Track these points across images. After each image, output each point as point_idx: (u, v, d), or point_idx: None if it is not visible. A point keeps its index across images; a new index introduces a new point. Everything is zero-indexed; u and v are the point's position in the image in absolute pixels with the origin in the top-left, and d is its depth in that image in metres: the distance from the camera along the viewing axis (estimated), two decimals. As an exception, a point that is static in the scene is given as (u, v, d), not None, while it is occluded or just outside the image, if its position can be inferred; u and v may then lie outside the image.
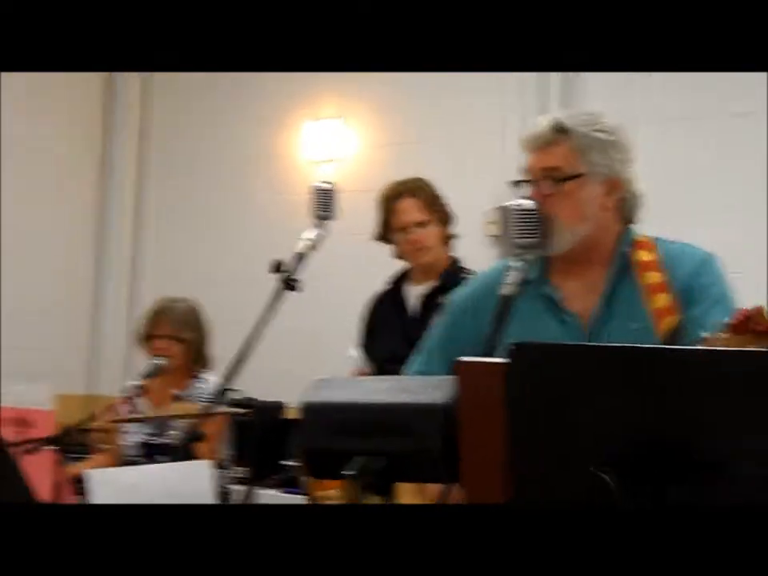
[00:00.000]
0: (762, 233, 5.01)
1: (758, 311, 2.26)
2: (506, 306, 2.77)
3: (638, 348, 2.39)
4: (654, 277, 2.67)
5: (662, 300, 2.63)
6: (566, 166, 2.72)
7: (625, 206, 2.77)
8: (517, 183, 2.90)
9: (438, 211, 4.20)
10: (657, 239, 2.77)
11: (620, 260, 2.73)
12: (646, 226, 2.86)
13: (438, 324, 3.05)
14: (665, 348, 2.55)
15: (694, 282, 2.66)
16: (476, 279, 3.10)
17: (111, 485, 3.06)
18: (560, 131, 2.72)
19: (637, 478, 1.97)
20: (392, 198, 4.23)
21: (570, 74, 6.04)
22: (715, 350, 2.49)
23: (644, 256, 2.70)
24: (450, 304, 3.05)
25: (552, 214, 2.72)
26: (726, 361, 2.02)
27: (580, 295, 2.76)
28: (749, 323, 2.32)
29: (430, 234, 4.19)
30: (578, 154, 2.71)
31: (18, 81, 7.19)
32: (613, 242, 2.75)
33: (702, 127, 5.72)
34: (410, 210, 4.18)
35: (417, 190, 4.21)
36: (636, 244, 2.73)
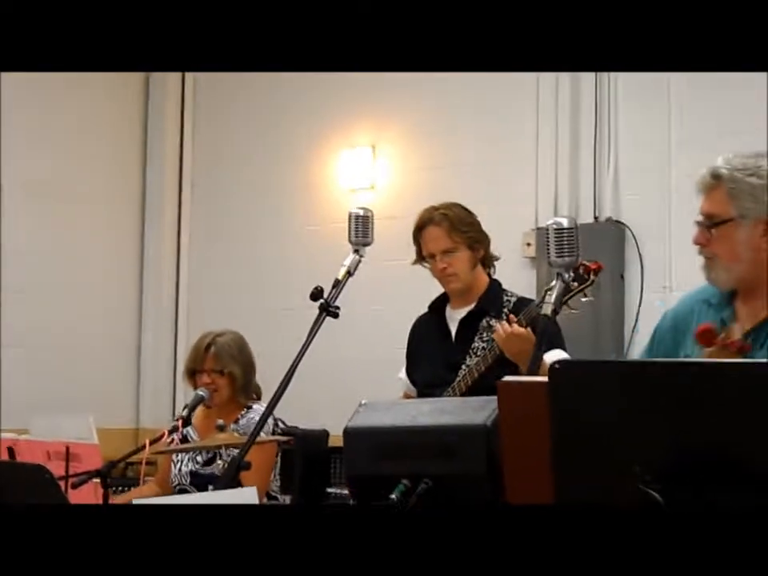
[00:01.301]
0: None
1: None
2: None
3: (670, 362, 2.50)
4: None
5: None
6: (719, 212, 2.77)
7: None
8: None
9: (466, 236, 4.16)
10: None
11: None
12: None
13: (647, 345, 3.14)
14: (698, 362, 2.51)
15: None
16: (681, 300, 3.13)
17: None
18: (715, 177, 2.78)
19: (680, 486, 1.97)
20: (419, 228, 4.22)
21: (603, 92, 6.05)
22: (747, 362, 2.52)
23: None
24: (658, 325, 3.12)
25: (711, 255, 2.80)
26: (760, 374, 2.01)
27: (748, 320, 2.78)
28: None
29: (457, 260, 4.15)
30: (730, 199, 2.75)
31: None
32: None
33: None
34: (436, 239, 4.16)
35: (440, 217, 4.17)
36: None
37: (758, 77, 5.51)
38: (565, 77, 6.12)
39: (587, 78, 6.06)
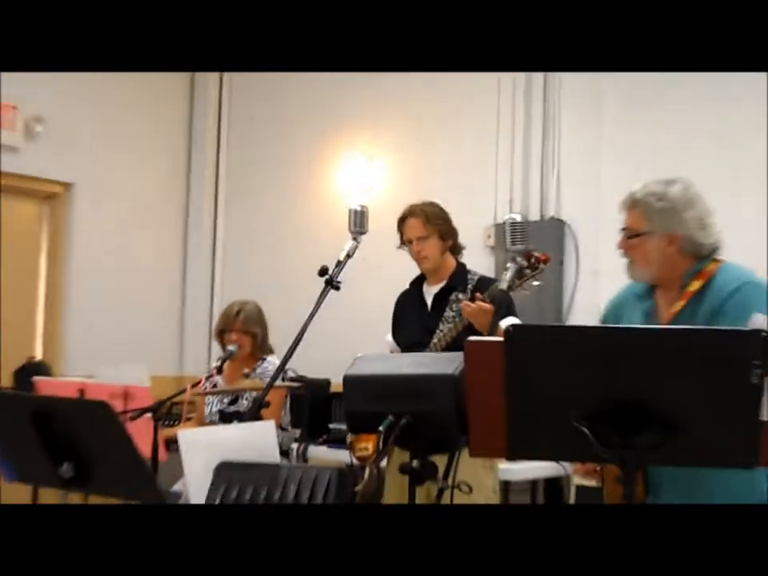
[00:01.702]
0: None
1: None
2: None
3: (599, 327, 2.63)
4: (687, 295, 2.89)
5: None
6: (635, 227, 2.94)
7: (687, 250, 2.90)
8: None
9: (438, 226, 4.17)
10: (721, 266, 2.91)
11: (682, 288, 2.90)
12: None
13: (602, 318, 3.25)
14: (622, 328, 2.66)
15: (723, 307, 2.80)
16: (617, 293, 3.22)
17: (198, 443, 3.05)
18: (634, 200, 2.96)
19: (609, 431, 1.98)
20: (401, 219, 4.24)
21: (549, 114, 6.04)
22: (663, 328, 2.59)
23: (694, 286, 2.88)
24: (603, 314, 3.23)
25: (631, 258, 2.96)
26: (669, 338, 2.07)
27: (665, 310, 2.93)
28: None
29: (429, 245, 4.15)
30: (644, 218, 2.92)
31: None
32: (680, 275, 2.90)
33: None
34: (412, 228, 4.18)
35: (418, 211, 4.19)
36: (697, 275, 2.89)
37: (682, 97, 5.52)
38: (520, 99, 6.13)
39: (538, 101, 6.08)
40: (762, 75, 5.11)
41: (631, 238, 2.93)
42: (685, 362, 1.93)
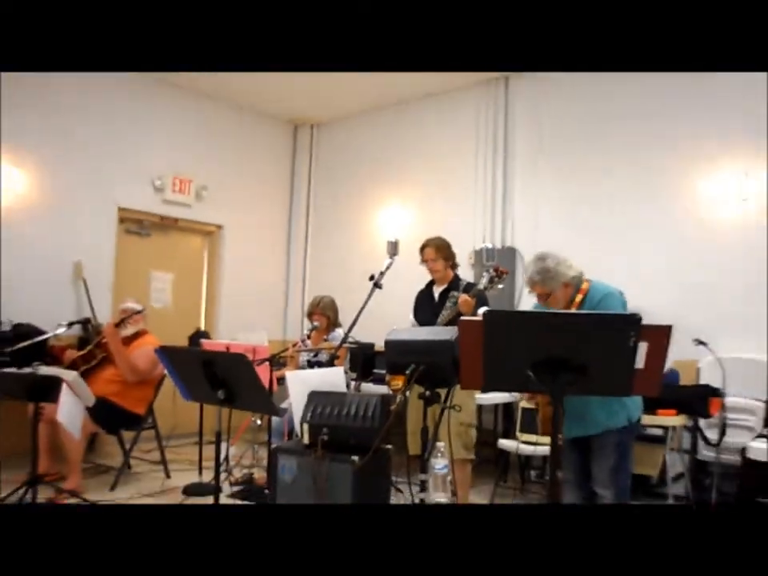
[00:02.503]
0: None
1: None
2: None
3: (547, 312, 2.57)
4: (575, 304, 2.92)
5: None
6: (544, 291, 2.93)
7: (574, 283, 2.95)
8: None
9: (443, 252, 4.14)
10: (591, 284, 2.96)
11: (572, 299, 2.95)
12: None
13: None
14: (558, 313, 2.62)
15: (597, 307, 2.87)
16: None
17: (297, 378, 3.09)
18: (533, 280, 2.94)
19: (545, 374, 1.98)
20: (421, 248, 4.19)
21: (509, 168, 6.01)
22: (580, 313, 2.56)
23: (577, 297, 2.93)
24: (534, 305, 3.14)
25: (548, 305, 2.94)
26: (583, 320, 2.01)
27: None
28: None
29: (438, 264, 4.12)
30: (545, 285, 2.92)
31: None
32: (571, 294, 2.95)
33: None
34: (428, 253, 4.14)
35: (431, 243, 4.15)
36: (578, 291, 2.95)
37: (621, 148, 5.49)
38: (489, 167, 6.06)
39: (499, 168, 6.02)
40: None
41: (546, 297, 2.94)
42: (591, 332, 1.92)
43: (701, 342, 4.38)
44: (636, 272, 5.09)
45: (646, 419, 4.06)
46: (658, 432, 4.45)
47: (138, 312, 4.84)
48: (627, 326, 1.87)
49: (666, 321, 1.94)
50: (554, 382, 1.95)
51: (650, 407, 4.11)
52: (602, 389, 2.10)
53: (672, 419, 4.32)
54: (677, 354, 3.44)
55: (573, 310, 2.86)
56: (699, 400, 4.34)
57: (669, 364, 4.55)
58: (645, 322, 1.88)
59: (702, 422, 4.44)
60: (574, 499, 2.97)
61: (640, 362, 1.92)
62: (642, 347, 1.90)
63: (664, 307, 4.74)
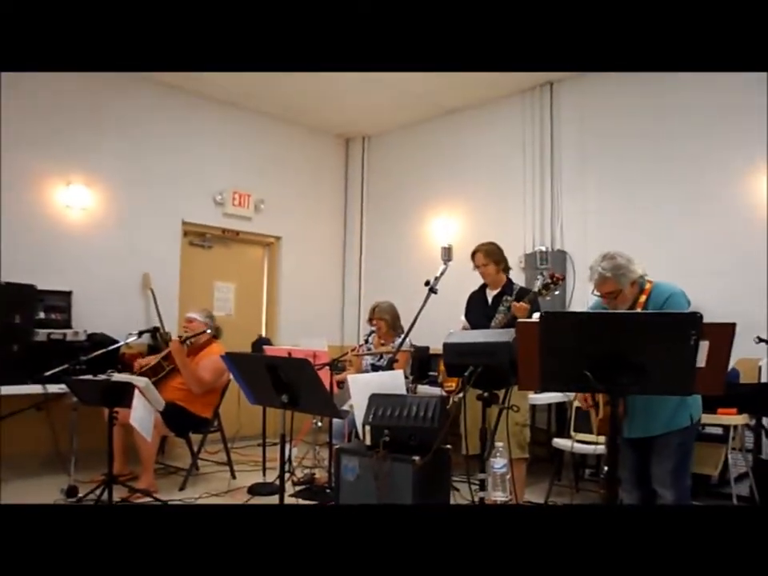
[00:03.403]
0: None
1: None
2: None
3: (605, 312, 2.57)
4: (639, 305, 2.84)
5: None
6: (613, 289, 2.82)
7: (639, 282, 2.87)
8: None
9: (494, 257, 4.10)
10: (654, 284, 2.88)
11: (635, 300, 2.86)
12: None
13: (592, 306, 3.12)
14: (617, 312, 2.60)
15: (662, 307, 2.78)
16: (594, 302, 3.08)
17: (359, 382, 3.10)
18: (604, 276, 2.82)
19: (603, 374, 1.93)
20: (472, 253, 4.15)
21: (556, 178, 5.92)
22: (640, 312, 2.52)
23: (641, 297, 2.85)
24: (590, 305, 3.09)
25: (618, 303, 2.84)
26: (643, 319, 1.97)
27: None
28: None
29: (489, 269, 4.09)
30: (618, 282, 2.81)
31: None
32: (635, 293, 2.86)
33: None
34: (479, 259, 4.10)
35: (482, 248, 4.11)
36: (642, 291, 2.86)
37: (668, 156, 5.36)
38: (537, 173, 5.98)
39: (547, 174, 5.94)
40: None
41: (614, 296, 2.83)
42: (652, 331, 1.88)
43: (762, 340, 4.23)
44: (692, 271, 4.94)
45: (706, 418, 3.93)
46: (718, 431, 4.31)
47: (203, 332, 4.87)
48: (688, 325, 1.82)
49: (726, 319, 1.87)
50: (613, 383, 1.90)
51: (710, 406, 3.97)
52: (663, 388, 2.05)
53: (733, 418, 4.17)
54: (737, 353, 3.32)
55: (637, 310, 2.79)
56: (762, 398, 4.19)
57: (731, 362, 4.39)
58: (705, 320, 1.82)
59: (765, 421, 4.27)
60: (630, 499, 2.89)
61: (701, 360, 1.86)
62: (704, 346, 1.84)
63: (725, 306, 4.60)
